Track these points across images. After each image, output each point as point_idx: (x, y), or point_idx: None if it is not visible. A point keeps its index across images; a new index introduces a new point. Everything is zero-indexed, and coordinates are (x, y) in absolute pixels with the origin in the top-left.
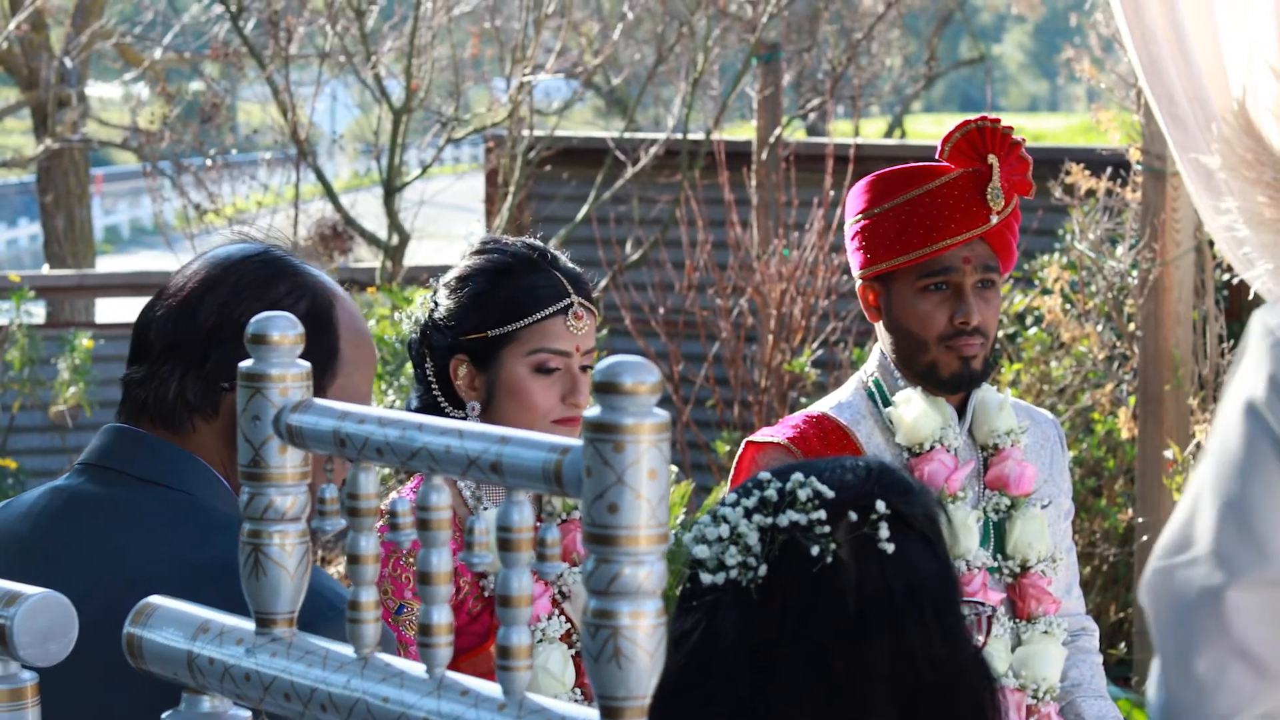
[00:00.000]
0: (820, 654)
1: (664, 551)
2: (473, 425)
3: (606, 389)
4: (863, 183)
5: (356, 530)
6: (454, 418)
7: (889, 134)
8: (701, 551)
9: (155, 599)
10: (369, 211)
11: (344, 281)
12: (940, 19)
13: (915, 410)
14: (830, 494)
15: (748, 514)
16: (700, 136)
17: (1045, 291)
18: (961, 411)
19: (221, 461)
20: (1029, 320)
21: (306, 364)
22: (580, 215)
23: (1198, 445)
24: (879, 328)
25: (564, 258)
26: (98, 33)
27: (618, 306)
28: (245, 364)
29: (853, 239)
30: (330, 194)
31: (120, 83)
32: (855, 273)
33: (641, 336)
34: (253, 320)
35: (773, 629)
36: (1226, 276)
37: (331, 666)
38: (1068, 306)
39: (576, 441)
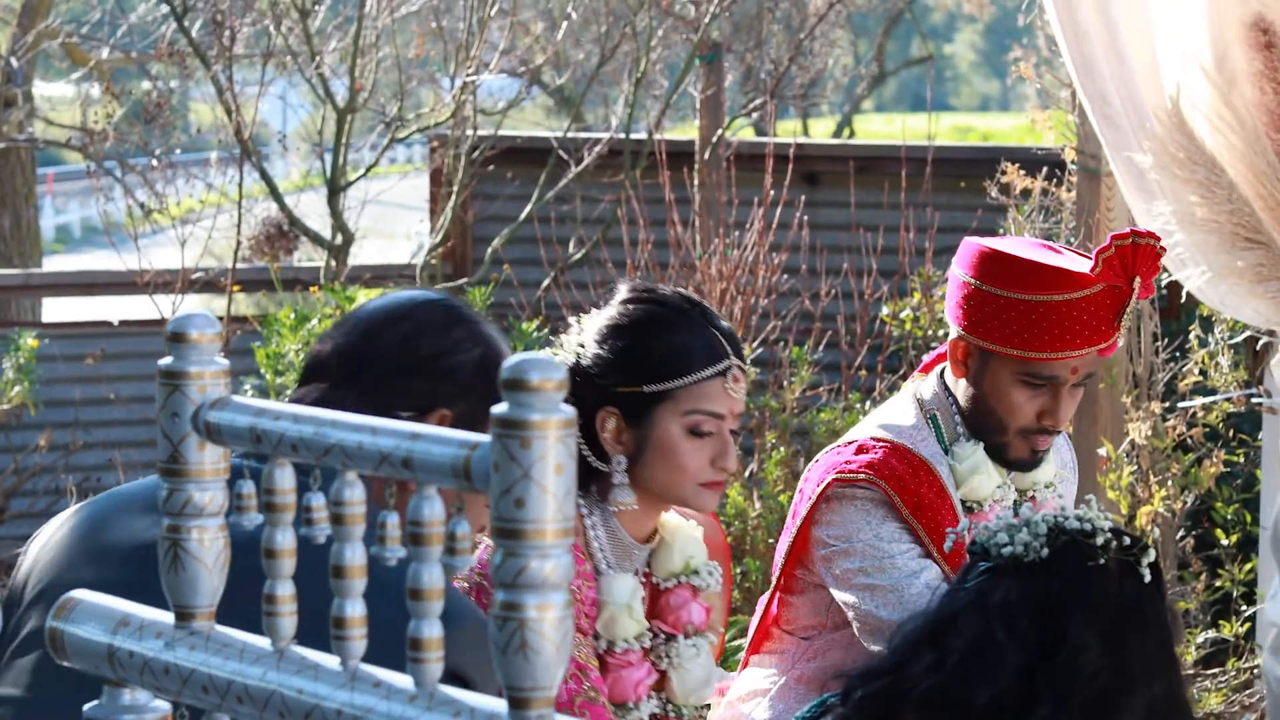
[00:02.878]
0: (1095, 622)
1: (569, 544)
2: (384, 422)
3: (513, 385)
4: (991, 248)
5: (273, 525)
6: (596, 468)
7: (838, 133)
8: (997, 537)
9: (76, 593)
10: (313, 211)
11: (288, 281)
12: (890, 18)
13: (979, 471)
14: (1108, 521)
15: (1041, 515)
16: (643, 136)
17: None
18: (1016, 472)
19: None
20: None
21: (225, 362)
22: (523, 215)
23: (1131, 443)
24: (959, 381)
25: (718, 314)
26: (44, 32)
27: (560, 306)
28: (164, 361)
29: (965, 297)
30: (274, 193)
31: (67, 82)
32: (954, 325)
33: None
34: (171, 320)
35: (1049, 594)
36: (1162, 276)
37: (248, 659)
38: None
39: (485, 438)
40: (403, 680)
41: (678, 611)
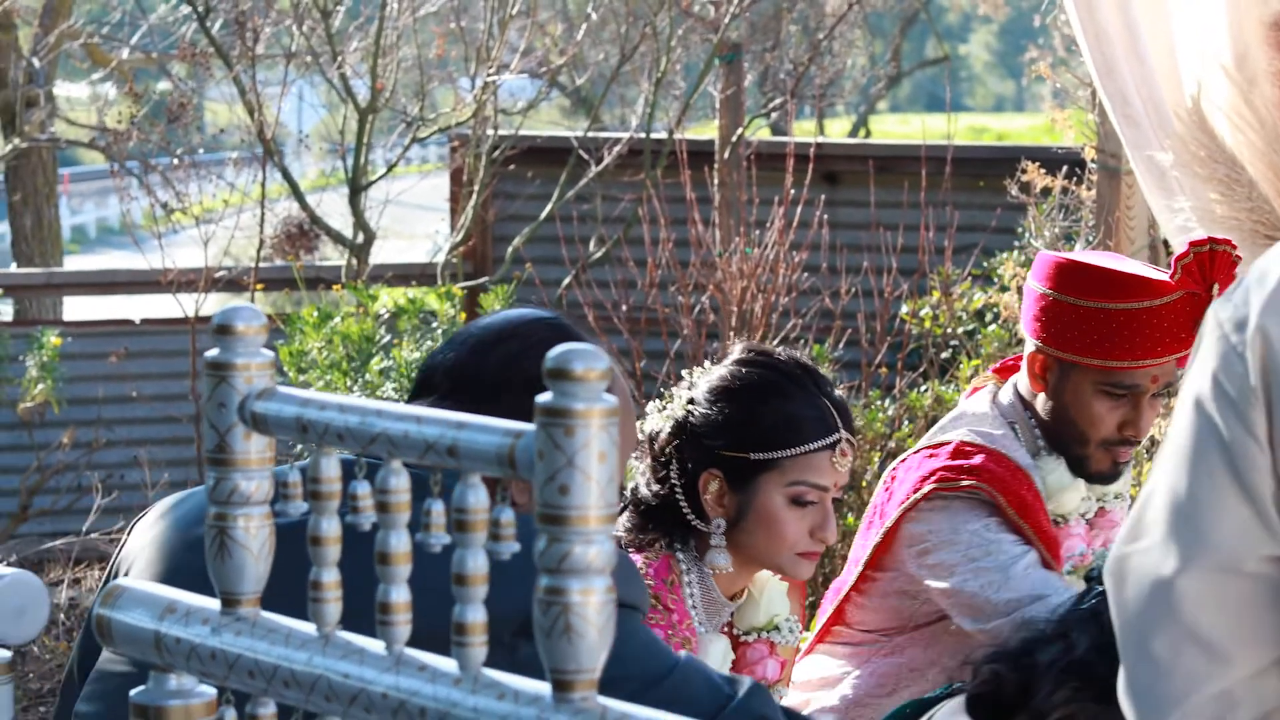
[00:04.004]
0: None
1: (612, 530)
2: (429, 411)
3: (558, 375)
4: (1068, 260)
5: (318, 514)
6: (697, 528)
7: (854, 133)
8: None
9: (123, 581)
10: (334, 210)
11: (310, 280)
12: (905, 19)
13: (1065, 485)
14: None
15: None
16: (663, 136)
17: (1003, 288)
18: (1097, 483)
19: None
20: (988, 317)
21: (270, 354)
22: (544, 214)
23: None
24: (1038, 395)
25: (829, 382)
26: (65, 33)
27: (581, 304)
28: (210, 353)
29: (1042, 309)
30: (296, 193)
31: (88, 83)
32: (1031, 339)
33: (604, 333)
34: (218, 312)
35: None
36: None
37: (294, 645)
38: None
39: (529, 426)
40: (447, 664)
41: (753, 666)
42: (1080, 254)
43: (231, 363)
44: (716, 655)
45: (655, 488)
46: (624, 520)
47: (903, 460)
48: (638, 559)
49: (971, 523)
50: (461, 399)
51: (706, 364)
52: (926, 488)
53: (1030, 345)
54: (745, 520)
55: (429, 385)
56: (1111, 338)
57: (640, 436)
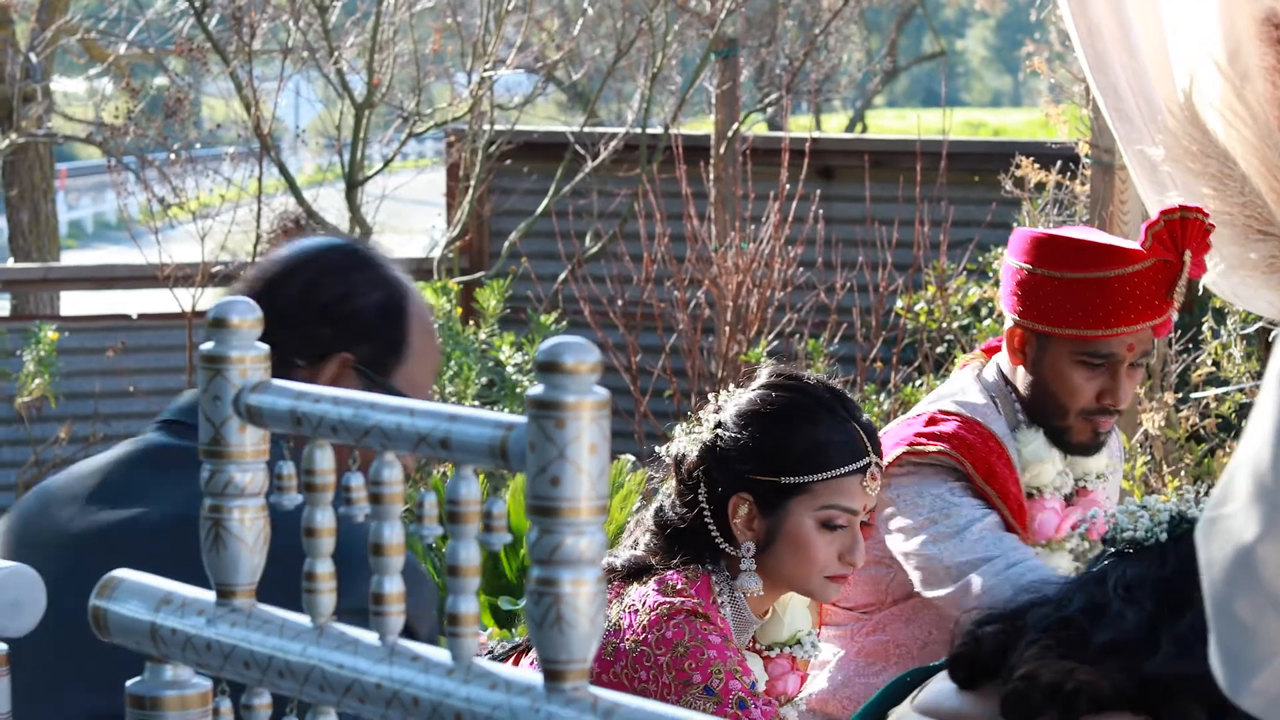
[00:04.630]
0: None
1: (603, 522)
2: (422, 404)
3: (549, 368)
4: (1042, 234)
5: (313, 505)
6: (725, 551)
7: (850, 128)
8: (1121, 523)
9: (119, 572)
10: (331, 206)
11: None
12: (902, 14)
13: (1041, 458)
14: None
15: (1163, 503)
16: (659, 131)
17: (998, 283)
18: (1079, 456)
19: None
20: (983, 312)
21: (265, 347)
22: (540, 209)
23: (1144, 434)
24: (1017, 369)
25: (857, 405)
26: (63, 28)
27: (577, 299)
28: (205, 346)
29: (1019, 283)
30: (293, 188)
31: (85, 78)
32: (1008, 313)
33: (600, 328)
34: (212, 306)
35: (1170, 570)
36: None
37: (288, 635)
38: None
39: (521, 419)
40: (440, 654)
41: (774, 681)
42: (1055, 229)
43: (226, 356)
44: (757, 674)
45: (682, 510)
46: (646, 541)
47: (885, 431)
48: (678, 579)
49: (936, 487)
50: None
51: (732, 387)
52: (897, 452)
53: (1009, 320)
54: (775, 544)
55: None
56: (1085, 307)
57: (666, 459)
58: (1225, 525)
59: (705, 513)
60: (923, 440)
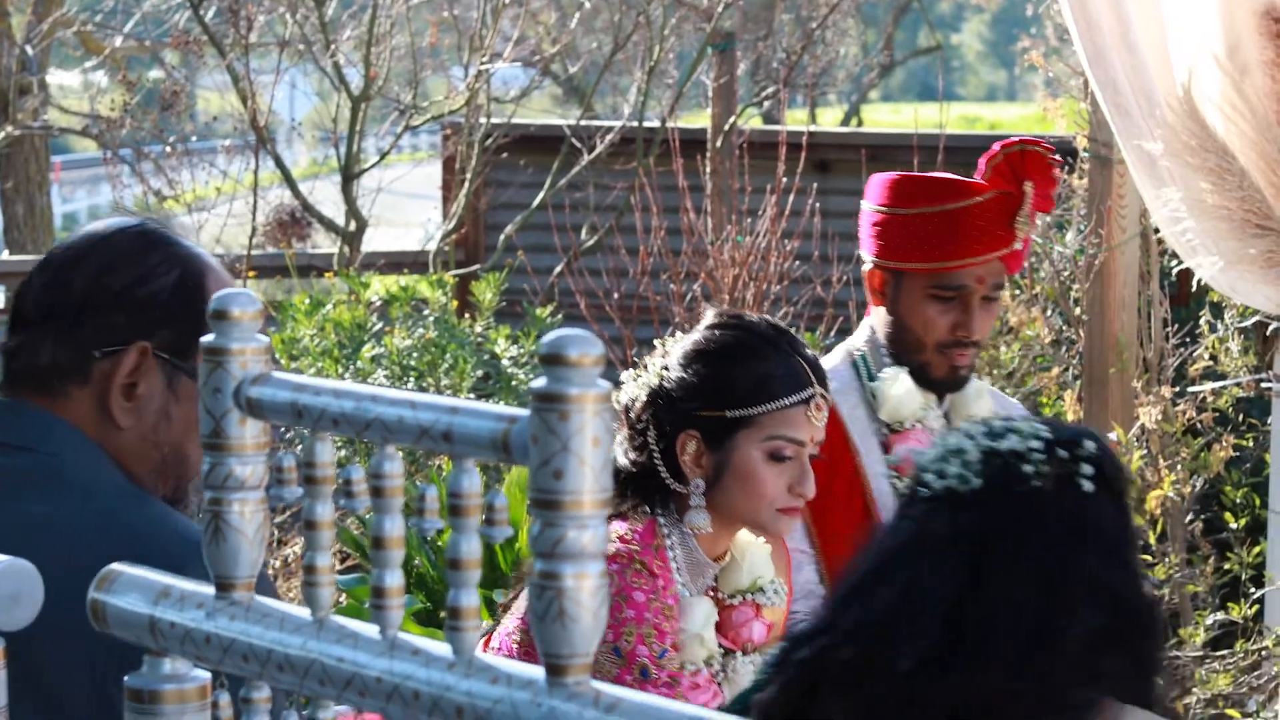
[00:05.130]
0: (1025, 555)
1: (605, 515)
2: (423, 396)
3: (552, 360)
4: (892, 176)
5: (313, 498)
6: (676, 491)
7: (846, 122)
8: (926, 459)
9: (116, 565)
10: (327, 198)
11: (302, 268)
12: (898, 8)
13: (901, 388)
14: (1047, 433)
15: (971, 437)
16: (656, 124)
17: None
18: (940, 396)
19: (95, 425)
20: None
21: (265, 339)
22: (536, 202)
23: (1141, 428)
24: (878, 310)
25: (802, 341)
26: (59, 20)
27: (573, 292)
28: (206, 338)
29: (871, 225)
30: (289, 181)
31: (81, 71)
32: (865, 256)
33: (596, 321)
34: (214, 296)
35: (978, 531)
36: (1174, 263)
37: (288, 629)
38: (1016, 292)
39: (523, 411)
40: (441, 648)
41: (739, 629)
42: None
43: (227, 348)
44: (699, 617)
45: (633, 455)
46: None
47: None
48: (621, 526)
49: None
50: (52, 326)
51: (678, 333)
52: None
53: (867, 263)
54: (724, 479)
55: (21, 316)
56: (931, 239)
57: (616, 406)
58: None
59: (655, 454)
60: None
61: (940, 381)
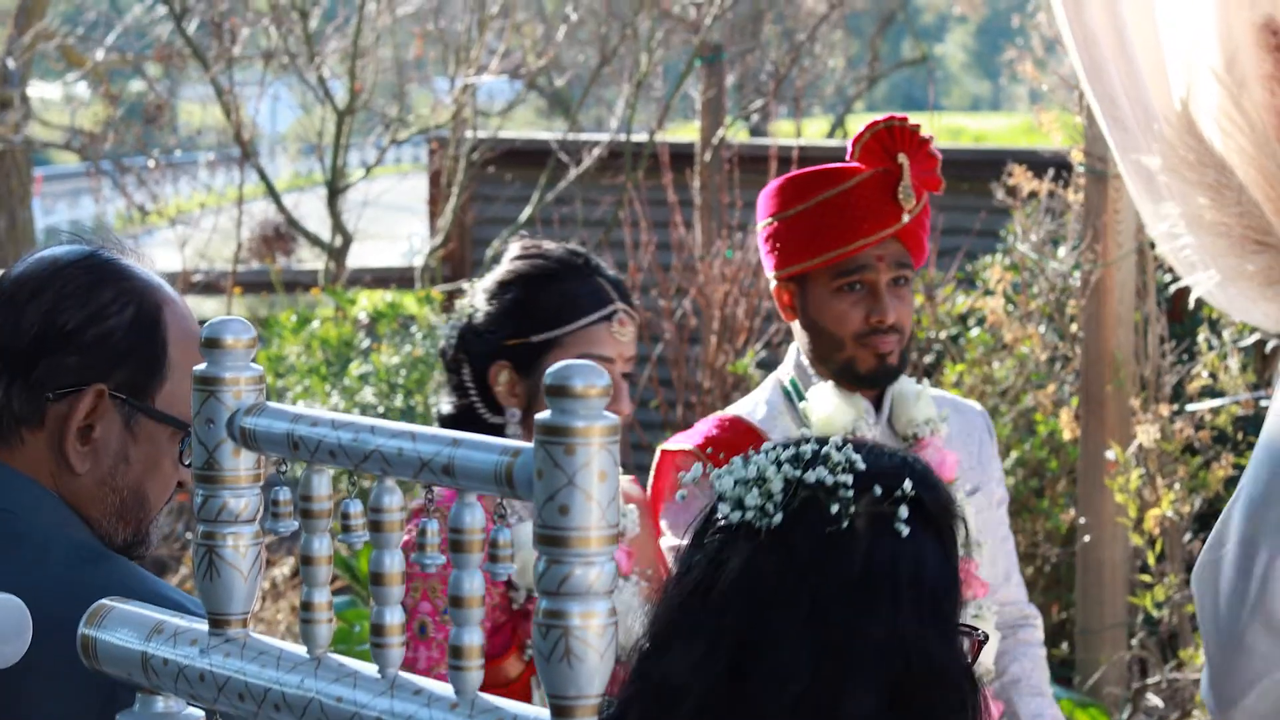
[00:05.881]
0: (819, 611)
1: (613, 552)
2: (424, 429)
3: (557, 392)
4: (774, 185)
5: (309, 532)
6: (491, 424)
7: (831, 134)
8: (725, 484)
9: (108, 600)
10: (312, 212)
11: (288, 283)
12: (883, 19)
13: (829, 405)
14: (861, 465)
15: (778, 463)
16: (643, 138)
17: (988, 293)
18: (879, 403)
19: (50, 474)
20: (971, 322)
21: (259, 368)
22: (523, 216)
23: (1139, 446)
24: (795, 327)
25: (604, 264)
26: (41, 33)
27: None
28: (199, 368)
29: (765, 240)
30: (274, 195)
31: (62, 83)
32: (769, 274)
33: None
34: (206, 325)
35: (774, 575)
36: (1169, 279)
37: (285, 667)
38: (1010, 308)
39: (527, 445)
40: (443, 688)
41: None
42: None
43: (220, 377)
44: (525, 540)
45: (453, 398)
46: None
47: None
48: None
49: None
50: (4, 368)
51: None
52: (658, 453)
53: (772, 283)
54: (537, 404)
55: None
56: (820, 232)
57: (441, 361)
58: (1224, 563)
59: (471, 391)
60: (679, 441)
61: (870, 375)
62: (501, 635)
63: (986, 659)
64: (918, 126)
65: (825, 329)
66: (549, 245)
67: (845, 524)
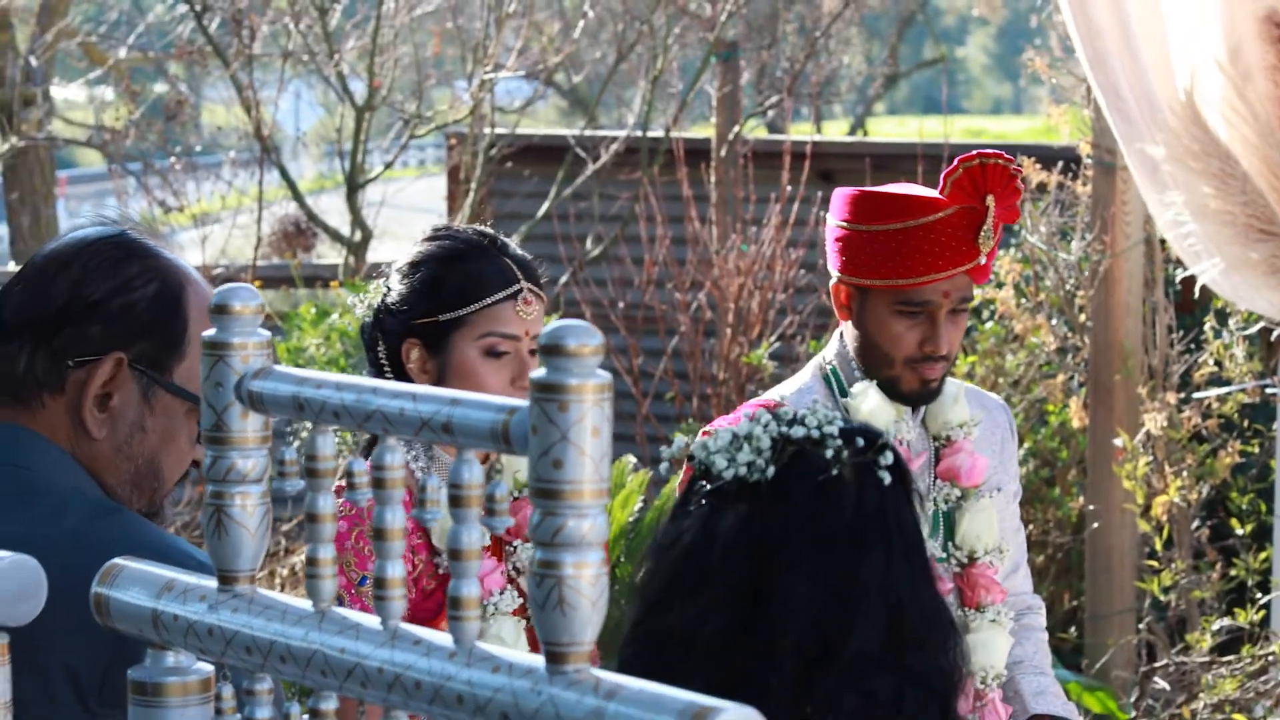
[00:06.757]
0: (819, 555)
1: (605, 505)
2: (425, 389)
3: (552, 351)
4: (854, 191)
5: (314, 490)
6: None
7: (851, 134)
8: (711, 447)
9: (120, 559)
10: (332, 208)
11: (307, 278)
12: (902, 20)
13: (871, 403)
14: (841, 423)
15: (763, 424)
16: (660, 134)
17: (999, 285)
18: (915, 405)
19: (68, 436)
20: (985, 314)
21: (267, 334)
22: (541, 212)
23: (1146, 434)
24: (846, 325)
25: (514, 245)
26: (63, 31)
27: (578, 302)
28: (208, 332)
29: (836, 241)
30: (293, 190)
31: (85, 82)
32: (832, 270)
33: (601, 331)
34: (216, 291)
35: (776, 525)
36: (1179, 271)
37: (290, 620)
38: (1022, 300)
39: (523, 403)
40: (443, 638)
41: (521, 523)
42: (874, 188)
43: (229, 342)
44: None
45: (371, 374)
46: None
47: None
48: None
49: None
50: (26, 337)
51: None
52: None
53: (833, 278)
54: (446, 380)
55: (1, 325)
56: (895, 257)
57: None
58: None
59: (385, 369)
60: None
61: (911, 396)
62: (433, 599)
63: (998, 662)
64: (1010, 161)
65: (878, 344)
66: (459, 227)
67: (835, 471)
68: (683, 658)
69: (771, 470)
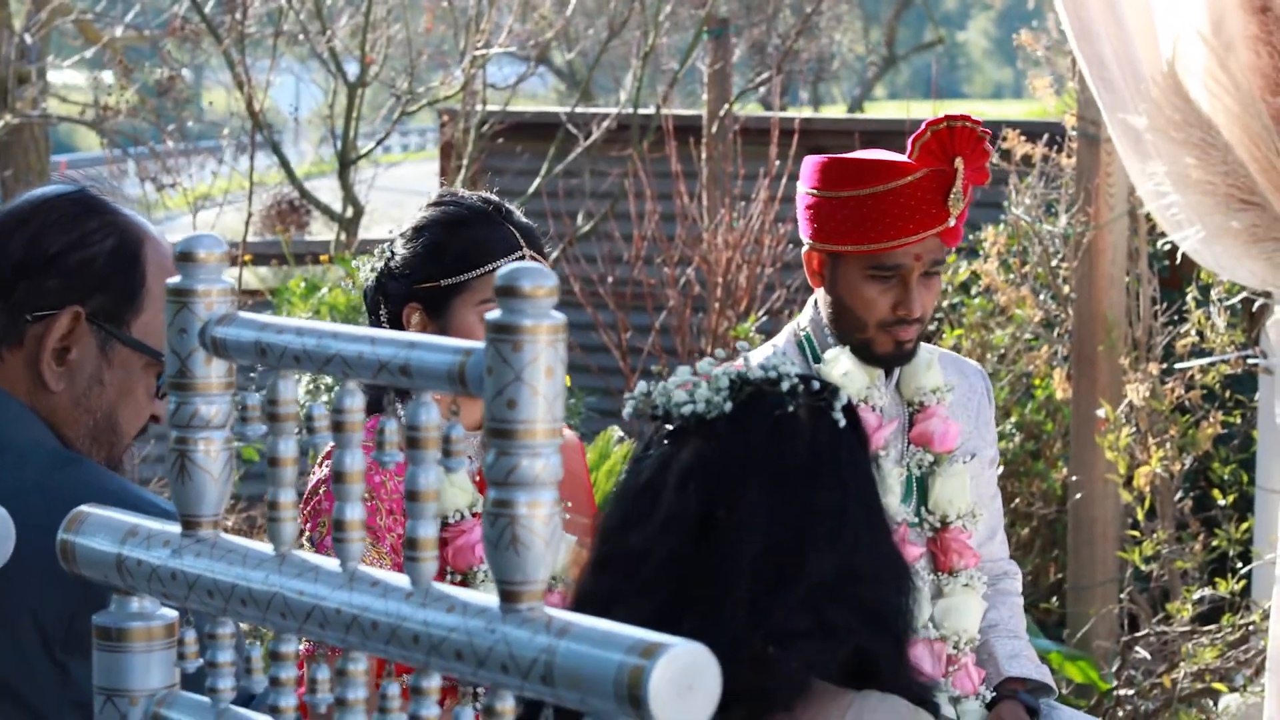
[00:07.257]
0: (775, 486)
1: (558, 445)
2: (383, 332)
3: (507, 293)
4: (823, 158)
5: (276, 435)
6: None
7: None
8: (671, 386)
9: (86, 507)
10: (325, 188)
11: (299, 255)
12: (900, 3)
13: (842, 368)
14: (796, 370)
15: (722, 370)
16: (651, 111)
17: (983, 257)
18: (889, 369)
19: (27, 390)
20: (973, 289)
21: (231, 281)
22: (532, 188)
23: (1129, 405)
24: (819, 291)
25: (518, 212)
26: (58, 9)
27: (568, 277)
28: (172, 280)
29: (806, 209)
30: (285, 167)
31: (80, 60)
32: (804, 238)
33: (591, 306)
34: (181, 240)
35: (733, 457)
36: (1168, 247)
37: (251, 564)
38: (1010, 275)
39: (479, 344)
40: (399, 580)
41: None
42: (843, 155)
43: (193, 289)
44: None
45: None
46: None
47: None
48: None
49: None
50: None
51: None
52: None
53: (805, 245)
54: None
55: None
56: (865, 222)
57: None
58: None
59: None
60: None
61: (885, 358)
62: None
63: (971, 626)
64: (977, 124)
65: (851, 309)
66: (464, 193)
67: (791, 409)
68: (634, 578)
69: (729, 406)
